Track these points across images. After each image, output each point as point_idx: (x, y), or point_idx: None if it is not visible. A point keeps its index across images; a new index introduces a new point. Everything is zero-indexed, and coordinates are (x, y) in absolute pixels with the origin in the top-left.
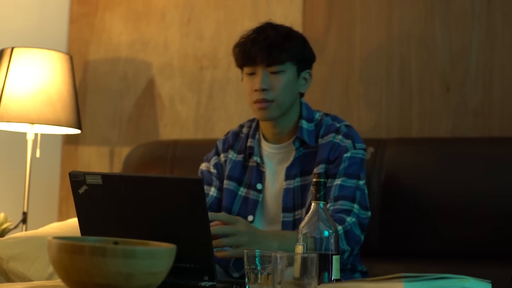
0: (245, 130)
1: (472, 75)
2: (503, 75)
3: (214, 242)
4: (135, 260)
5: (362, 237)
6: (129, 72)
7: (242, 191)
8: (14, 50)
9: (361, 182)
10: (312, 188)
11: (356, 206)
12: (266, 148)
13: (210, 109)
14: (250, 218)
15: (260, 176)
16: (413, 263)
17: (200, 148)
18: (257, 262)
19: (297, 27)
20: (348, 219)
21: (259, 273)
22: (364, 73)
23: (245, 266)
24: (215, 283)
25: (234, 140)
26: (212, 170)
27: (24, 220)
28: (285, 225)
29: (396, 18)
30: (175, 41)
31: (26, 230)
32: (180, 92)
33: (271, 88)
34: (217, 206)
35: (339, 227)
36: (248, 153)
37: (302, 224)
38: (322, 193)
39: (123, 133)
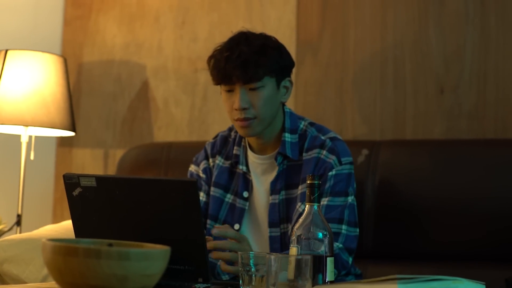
0: (233, 134)
1: (466, 78)
2: (497, 78)
3: (220, 255)
4: (130, 262)
5: (351, 260)
6: (123, 75)
7: (229, 198)
8: (8, 52)
9: (350, 199)
10: (306, 190)
11: (344, 227)
12: (251, 157)
13: (205, 112)
14: (237, 226)
15: (246, 184)
16: (407, 265)
17: (194, 151)
18: (251, 264)
19: (291, 29)
20: (335, 245)
21: (253, 275)
22: (358, 76)
23: (240, 268)
24: (209, 285)
25: (222, 145)
26: (202, 175)
27: (18, 223)
28: (272, 240)
29: (390, 21)
30: (169, 44)
31: (20, 232)
32: (174, 94)
33: (251, 105)
34: (206, 211)
35: None
36: (234, 161)
37: (296, 226)
38: (316, 195)
39: (117, 136)
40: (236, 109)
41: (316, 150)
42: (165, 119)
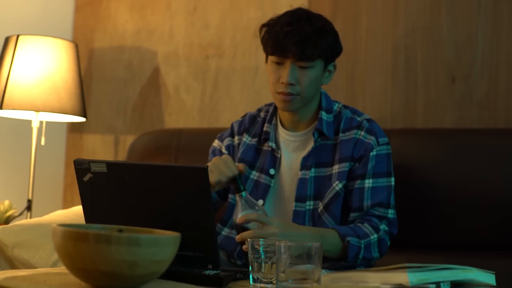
0: (262, 114)
1: (478, 67)
2: (509, 67)
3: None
4: (140, 248)
5: (389, 243)
6: (134, 61)
7: (254, 174)
8: (20, 37)
9: (392, 180)
10: None
11: (390, 211)
12: (283, 134)
13: (215, 98)
14: (260, 202)
15: (274, 161)
16: (417, 253)
17: (204, 137)
18: (261, 251)
19: None
20: (381, 227)
21: (263, 262)
22: (370, 64)
23: (249, 255)
24: (219, 271)
25: (251, 123)
26: (224, 150)
27: (28, 208)
28: (296, 214)
29: (401, 9)
30: (181, 30)
31: (30, 217)
32: (185, 81)
33: (297, 82)
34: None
35: (374, 235)
36: (264, 137)
37: None
38: None
39: (128, 122)
40: (282, 83)
41: (354, 131)
42: (175, 105)
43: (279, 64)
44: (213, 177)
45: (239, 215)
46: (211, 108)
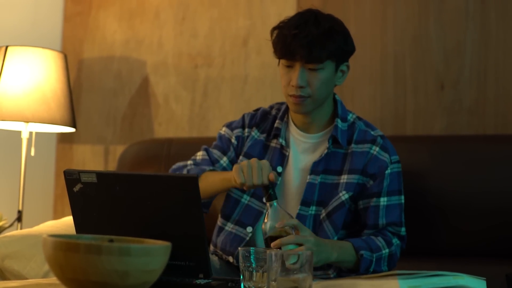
0: (274, 111)
1: (467, 73)
2: (497, 73)
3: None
4: (130, 257)
5: (398, 257)
6: (124, 71)
7: None
8: (9, 48)
9: (402, 197)
10: None
11: (402, 229)
12: (295, 133)
13: (205, 108)
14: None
15: (282, 159)
16: (408, 260)
17: (194, 147)
18: (252, 260)
19: None
20: (394, 241)
21: (254, 271)
22: (358, 72)
23: (240, 264)
24: (210, 280)
25: (262, 119)
26: (233, 140)
27: (19, 219)
28: (300, 218)
29: (390, 17)
30: (169, 40)
31: (21, 228)
32: (174, 90)
33: (308, 85)
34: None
35: (386, 250)
36: (274, 134)
37: None
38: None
39: (118, 132)
40: (293, 86)
41: (368, 145)
42: (165, 115)
43: (289, 67)
44: (239, 178)
45: (269, 223)
46: (201, 117)
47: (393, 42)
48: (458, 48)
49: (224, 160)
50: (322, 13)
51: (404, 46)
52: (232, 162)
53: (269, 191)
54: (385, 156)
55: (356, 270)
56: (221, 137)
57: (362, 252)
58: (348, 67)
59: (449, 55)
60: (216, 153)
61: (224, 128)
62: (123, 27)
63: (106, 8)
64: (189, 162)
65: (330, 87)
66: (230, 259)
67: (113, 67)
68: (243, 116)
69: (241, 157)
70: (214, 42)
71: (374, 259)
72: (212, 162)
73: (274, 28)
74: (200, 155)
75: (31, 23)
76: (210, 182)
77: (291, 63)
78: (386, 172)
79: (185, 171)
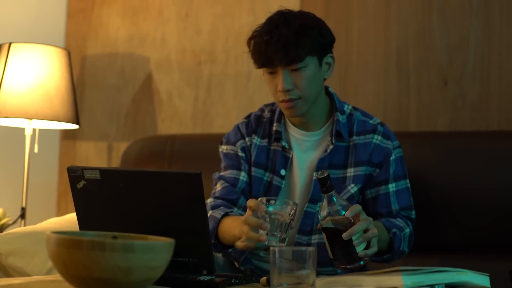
0: (267, 114)
1: (470, 69)
2: (501, 69)
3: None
4: (134, 254)
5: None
6: (127, 67)
7: (268, 176)
8: (12, 45)
9: (408, 181)
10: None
11: (413, 212)
12: (294, 133)
13: (208, 104)
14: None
15: (285, 161)
16: (412, 256)
17: (198, 143)
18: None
19: None
20: (408, 230)
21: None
22: (362, 67)
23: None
24: (213, 277)
25: (257, 124)
26: (240, 153)
27: (22, 216)
28: (306, 215)
29: (393, 12)
30: (173, 36)
31: (24, 225)
32: (178, 87)
33: (294, 86)
34: (249, 191)
35: (407, 229)
36: (275, 137)
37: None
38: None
39: (121, 128)
40: (280, 91)
41: (370, 136)
42: (168, 111)
43: (272, 73)
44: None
45: (324, 213)
46: (204, 113)
47: (396, 38)
48: (461, 44)
49: (243, 175)
50: (292, 12)
51: (408, 41)
52: (249, 174)
53: (327, 183)
54: (388, 143)
55: (389, 250)
56: (226, 155)
57: (394, 230)
58: (333, 58)
59: (452, 51)
60: (231, 173)
61: (224, 146)
62: (126, 24)
63: (109, 4)
64: (209, 200)
65: (318, 83)
66: (236, 264)
67: (116, 64)
68: (237, 127)
69: (253, 168)
70: (217, 39)
71: (402, 238)
72: (233, 185)
73: (249, 39)
74: (218, 187)
75: (35, 19)
76: (226, 236)
77: (273, 69)
78: (391, 158)
79: (208, 210)
